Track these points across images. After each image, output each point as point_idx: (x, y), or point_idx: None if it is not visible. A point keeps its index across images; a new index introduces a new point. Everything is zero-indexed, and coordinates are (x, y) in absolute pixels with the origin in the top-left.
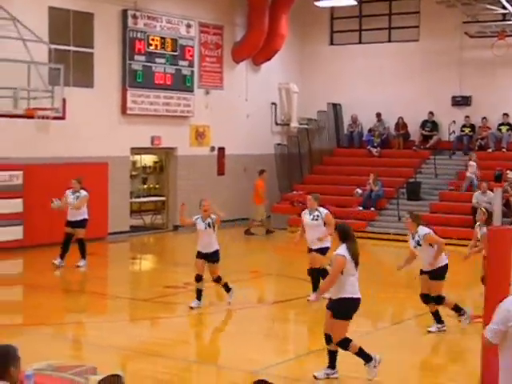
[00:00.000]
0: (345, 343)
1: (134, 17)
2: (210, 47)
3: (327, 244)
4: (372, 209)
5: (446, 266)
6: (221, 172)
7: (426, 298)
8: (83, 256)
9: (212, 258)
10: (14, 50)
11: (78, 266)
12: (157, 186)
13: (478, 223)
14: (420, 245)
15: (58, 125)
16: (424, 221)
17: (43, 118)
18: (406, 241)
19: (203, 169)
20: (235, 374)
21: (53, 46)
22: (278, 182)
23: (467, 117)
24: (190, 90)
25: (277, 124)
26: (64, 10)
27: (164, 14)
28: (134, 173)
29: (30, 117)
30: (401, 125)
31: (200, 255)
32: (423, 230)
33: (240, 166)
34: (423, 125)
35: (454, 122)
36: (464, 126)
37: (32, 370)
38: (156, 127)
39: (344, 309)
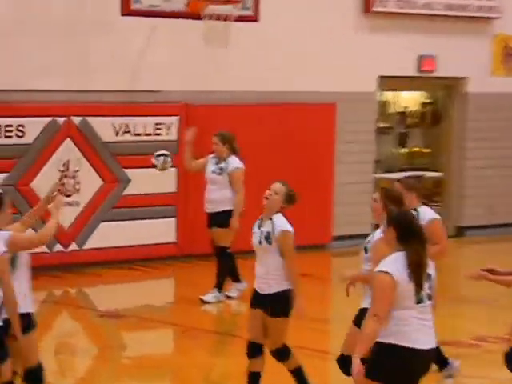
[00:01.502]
0: None
1: None
2: None
3: None
4: None
5: None
6: None
7: None
8: (220, 283)
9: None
10: None
11: (203, 301)
12: (426, 151)
13: None
14: None
15: (246, 32)
16: None
17: (218, 18)
18: None
19: None
20: None
21: None
22: None
23: None
24: None
25: None
26: None
27: None
28: (382, 124)
29: (195, 17)
30: None
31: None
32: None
33: None
34: None
35: None
36: None
37: None
38: (427, 39)
39: (383, 363)
